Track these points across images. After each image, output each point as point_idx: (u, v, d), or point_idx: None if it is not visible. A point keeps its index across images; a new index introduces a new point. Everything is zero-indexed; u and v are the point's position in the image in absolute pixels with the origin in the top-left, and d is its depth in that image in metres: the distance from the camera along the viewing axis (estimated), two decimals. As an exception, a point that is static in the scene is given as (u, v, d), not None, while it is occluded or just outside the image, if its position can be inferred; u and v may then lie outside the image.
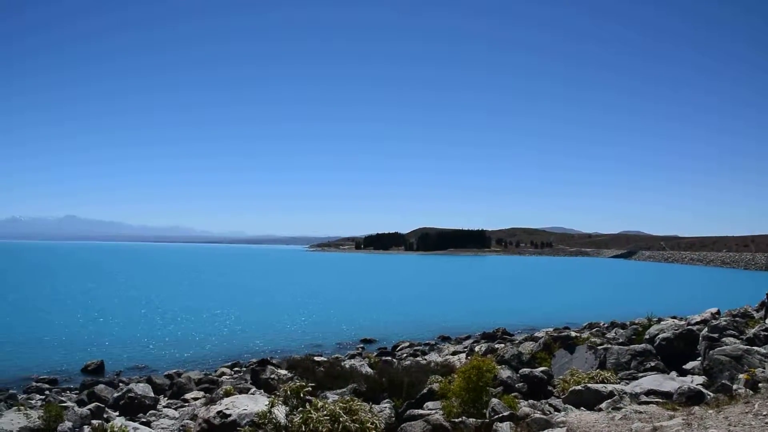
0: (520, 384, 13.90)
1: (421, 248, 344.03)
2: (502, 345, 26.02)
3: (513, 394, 12.53)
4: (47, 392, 21.64)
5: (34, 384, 22.82)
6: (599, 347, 16.04)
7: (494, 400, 10.33)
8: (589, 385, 11.36)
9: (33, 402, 19.31)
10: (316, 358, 24.82)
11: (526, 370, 14.62)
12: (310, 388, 8.27)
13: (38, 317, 41.72)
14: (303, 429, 7.38)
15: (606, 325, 33.78)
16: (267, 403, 8.42)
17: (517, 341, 26.58)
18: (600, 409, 9.50)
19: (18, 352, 29.02)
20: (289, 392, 7.98)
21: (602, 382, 12.45)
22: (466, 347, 29.81)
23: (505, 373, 14.36)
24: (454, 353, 27.91)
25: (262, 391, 15.65)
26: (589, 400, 10.58)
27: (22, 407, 13.82)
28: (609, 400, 10.08)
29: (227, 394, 15.31)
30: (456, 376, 11.90)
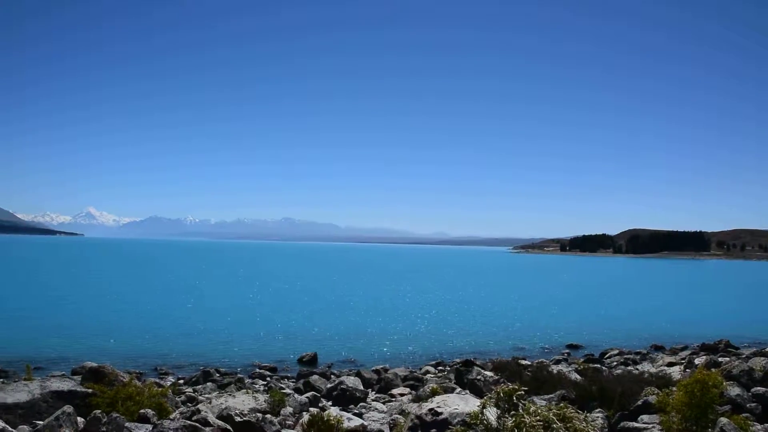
0: (753, 404, 12.43)
1: (631, 251, 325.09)
2: (726, 359, 23.65)
3: (744, 415, 11.26)
4: (268, 378, 23.56)
5: (257, 371, 24.95)
6: None
7: (723, 420, 9.39)
8: None
9: (257, 386, 21.08)
10: (521, 362, 24.42)
11: (760, 389, 13.06)
12: (522, 392, 8.09)
13: (262, 311, 45.60)
14: (514, 433, 7.25)
15: None
16: (478, 404, 8.39)
17: (744, 356, 24.01)
18: None
19: (245, 342, 31.93)
20: (501, 394, 7.88)
21: None
22: (683, 359, 27.53)
23: (733, 390, 12.93)
24: (669, 364, 25.89)
25: (468, 391, 15.68)
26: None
27: (249, 391, 15.18)
28: None
29: (433, 392, 15.51)
30: (675, 389, 11.01)
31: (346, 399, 17.81)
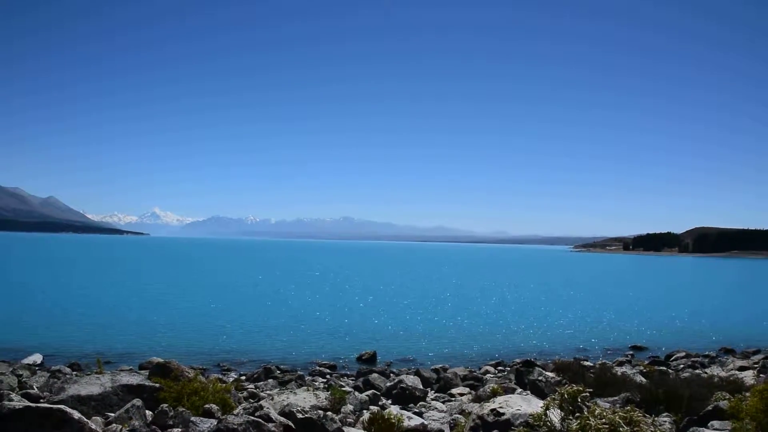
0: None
1: (698, 250, 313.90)
2: (804, 363, 22.68)
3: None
4: (328, 376, 23.77)
5: (317, 368, 25.19)
6: None
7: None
8: None
9: (317, 384, 21.31)
10: (583, 363, 23.95)
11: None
12: (587, 394, 7.90)
13: (321, 309, 46.08)
14: (579, 435, 7.08)
15: None
16: (541, 405, 8.24)
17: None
18: None
19: (305, 340, 32.32)
20: (565, 396, 7.71)
21: None
22: (756, 363, 26.49)
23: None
24: (741, 369, 24.93)
25: (529, 392, 15.44)
26: None
27: (310, 388, 15.36)
28: None
29: (494, 392, 15.37)
30: (749, 395, 10.56)
31: (405, 398, 17.81)
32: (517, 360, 27.05)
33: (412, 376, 20.54)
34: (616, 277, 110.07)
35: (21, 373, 20.22)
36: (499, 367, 26.17)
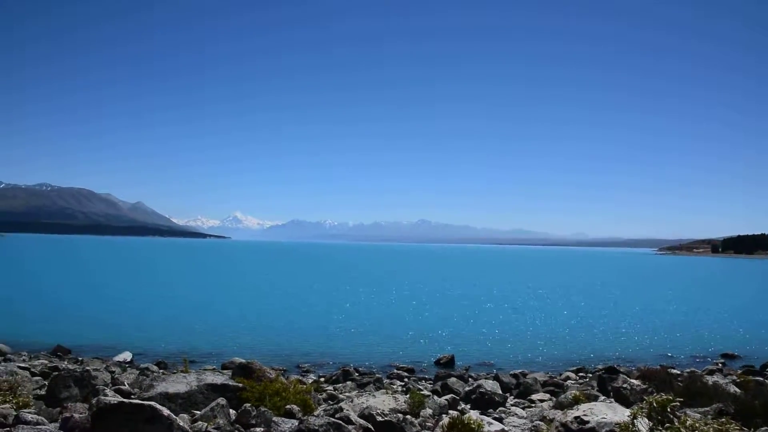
0: None
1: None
2: None
3: None
4: (406, 379, 23.76)
5: (395, 371, 25.23)
6: None
7: None
8: None
9: (395, 387, 21.34)
10: (670, 371, 23.02)
11: None
12: (678, 404, 7.57)
13: (398, 312, 46.25)
14: (669, 447, 6.77)
15: None
16: (628, 414, 7.95)
17: None
18: None
19: (382, 342, 32.46)
20: (654, 405, 7.41)
21: None
22: None
23: None
24: None
25: (612, 400, 14.94)
26: None
27: (388, 391, 15.38)
28: None
29: (575, 399, 14.96)
30: None
31: (484, 403, 17.61)
32: (599, 366, 26.26)
33: (491, 381, 20.30)
34: (705, 282, 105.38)
35: (113, 369, 21.43)
36: (580, 374, 25.48)
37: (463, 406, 16.90)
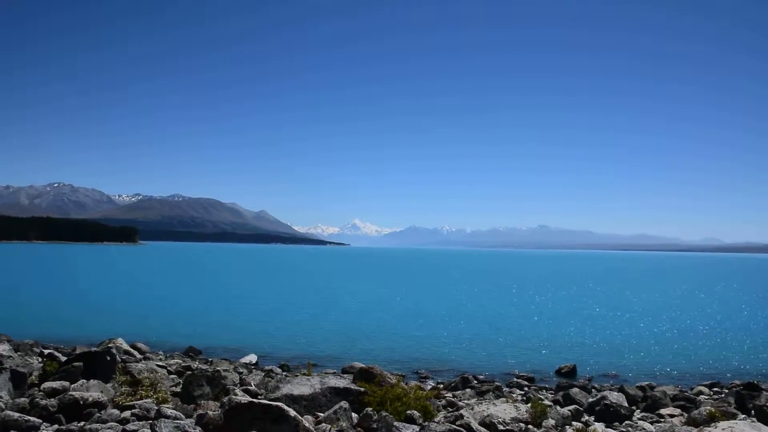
0: None
1: None
2: None
3: None
4: (526, 388, 23.25)
5: (515, 380, 24.76)
6: None
7: None
8: None
9: (514, 396, 20.98)
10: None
11: None
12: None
13: (517, 319, 45.48)
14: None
15: None
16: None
17: None
18: None
19: (502, 350, 32.02)
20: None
21: None
22: None
23: None
24: None
25: (754, 419, 13.91)
26: None
27: (509, 399, 15.15)
28: None
29: (711, 416, 14.09)
30: None
31: (609, 415, 16.92)
32: (737, 381, 24.54)
33: (616, 393, 19.47)
34: None
35: (241, 370, 22.50)
36: (715, 389, 23.93)
37: (586, 417, 16.35)
